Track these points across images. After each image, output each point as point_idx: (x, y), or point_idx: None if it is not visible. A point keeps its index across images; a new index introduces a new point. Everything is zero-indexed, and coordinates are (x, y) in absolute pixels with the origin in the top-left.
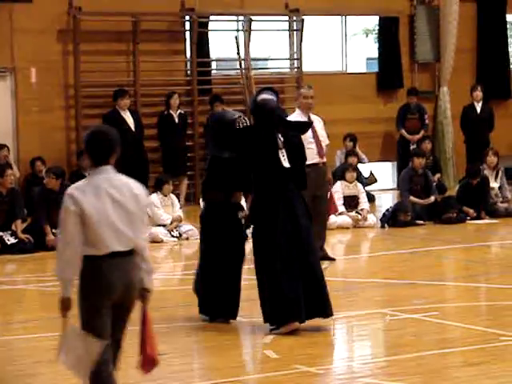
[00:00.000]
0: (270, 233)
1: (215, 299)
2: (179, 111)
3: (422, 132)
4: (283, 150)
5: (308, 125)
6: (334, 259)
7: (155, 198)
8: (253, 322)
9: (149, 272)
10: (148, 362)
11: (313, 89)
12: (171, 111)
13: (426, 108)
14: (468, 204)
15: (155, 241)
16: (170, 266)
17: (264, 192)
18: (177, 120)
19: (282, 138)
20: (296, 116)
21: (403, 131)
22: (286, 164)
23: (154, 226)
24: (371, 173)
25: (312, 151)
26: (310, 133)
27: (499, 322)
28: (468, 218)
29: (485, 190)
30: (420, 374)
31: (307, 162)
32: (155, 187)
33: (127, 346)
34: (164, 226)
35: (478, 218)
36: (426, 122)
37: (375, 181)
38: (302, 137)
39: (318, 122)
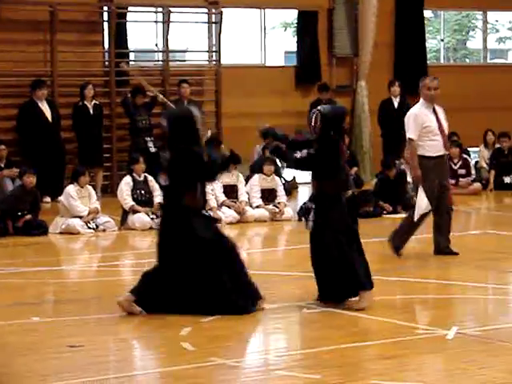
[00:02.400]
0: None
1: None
2: (94, 102)
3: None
4: None
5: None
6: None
7: (72, 189)
8: (170, 315)
9: None
10: None
11: (437, 80)
12: (86, 102)
13: (339, 102)
14: (385, 198)
15: (72, 232)
16: (87, 257)
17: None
18: (92, 111)
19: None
20: (419, 107)
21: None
22: None
23: (70, 217)
24: (294, 178)
25: (438, 143)
26: (435, 124)
27: (413, 315)
28: (384, 212)
29: (402, 184)
30: (336, 367)
31: (433, 154)
32: (72, 178)
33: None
34: (80, 217)
35: (395, 212)
36: None
37: (297, 187)
38: (428, 129)
39: (441, 114)
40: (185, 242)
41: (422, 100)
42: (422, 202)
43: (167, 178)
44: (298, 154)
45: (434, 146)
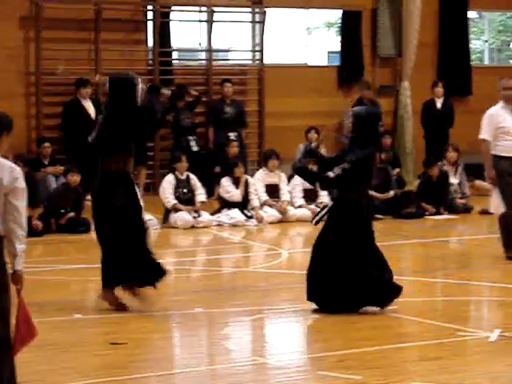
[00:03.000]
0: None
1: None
2: None
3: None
4: None
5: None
6: None
7: None
8: (211, 313)
9: (16, 255)
10: (19, 343)
11: None
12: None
13: (380, 103)
14: (428, 199)
15: None
16: None
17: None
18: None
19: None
20: (497, 107)
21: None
22: None
23: None
24: None
25: (510, 143)
26: (510, 125)
27: (456, 317)
28: (427, 213)
29: (445, 186)
30: (377, 368)
31: (508, 155)
32: None
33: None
34: None
35: (437, 213)
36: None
37: None
38: (503, 130)
39: None
40: (100, 209)
41: (500, 101)
42: (493, 203)
43: (94, 138)
44: (332, 174)
45: (509, 147)
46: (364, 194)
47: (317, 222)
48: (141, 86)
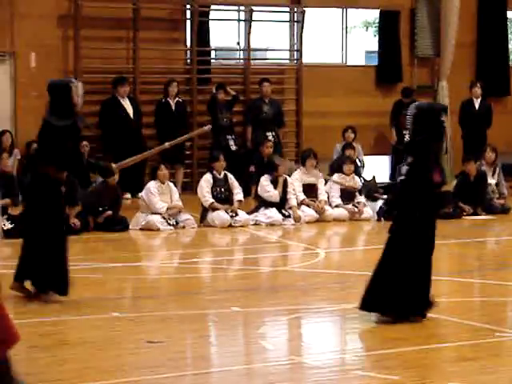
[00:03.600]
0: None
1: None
2: (177, 99)
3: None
4: None
5: None
6: None
7: (153, 185)
8: (248, 312)
9: None
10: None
11: None
12: (169, 99)
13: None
14: (465, 199)
15: (152, 229)
16: (166, 254)
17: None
18: (174, 108)
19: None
20: None
21: (393, 131)
22: None
23: (150, 213)
24: (374, 178)
25: None
26: None
27: (494, 317)
28: (464, 213)
29: (482, 186)
30: (415, 368)
31: None
32: (151, 174)
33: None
34: (161, 214)
35: (475, 214)
36: None
37: (376, 186)
38: None
39: None
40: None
41: None
42: None
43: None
44: (401, 177)
45: None
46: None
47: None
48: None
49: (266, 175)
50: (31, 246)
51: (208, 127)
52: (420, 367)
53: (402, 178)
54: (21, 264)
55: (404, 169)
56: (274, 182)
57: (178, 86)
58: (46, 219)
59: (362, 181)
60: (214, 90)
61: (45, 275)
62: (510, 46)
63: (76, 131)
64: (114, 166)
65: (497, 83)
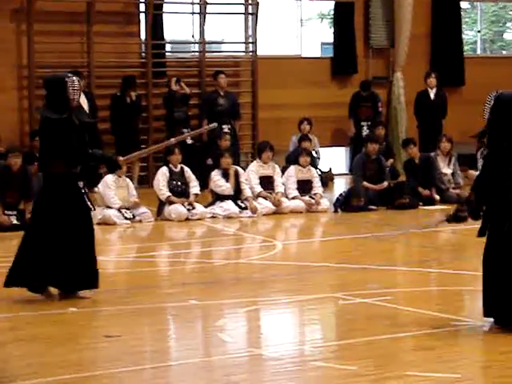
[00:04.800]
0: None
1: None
2: (132, 93)
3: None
4: None
5: None
6: None
7: (110, 178)
8: (206, 305)
9: None
10: None
11: None
12: (124, 93)
13: (380, 95)
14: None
15: (108, 223)
16: (123, 248)
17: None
18: (129, 102)
19: None
20: None
21: (351, 123)
22: None
23: (106, 207)
24: (330, 169)
25: None
26: None
27: (450, 307)
28: (420, 203)
29: (430, 168)
30: (372, 358)
31: None
32: (108, 169)
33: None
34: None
35: (431, 200)
36: (380, 109)
37: (333, 178)
38: None
39: None
40: (40, 209)
41: None
42: None
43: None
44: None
45: None
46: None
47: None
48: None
49: (216, 170)
50: (53, 250)
51: (213, 125)
52: (377, 357)
53: (479, 173)
54: (41, 270)
55: (480, 163)
56: (225, 175)
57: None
58: (67, 217)
59: (319, 172)
60: (173, 84)
61: (73, 277)
62: (464, 37)
63: (72, 125)
64: (121, 158)
65: (452, 73)
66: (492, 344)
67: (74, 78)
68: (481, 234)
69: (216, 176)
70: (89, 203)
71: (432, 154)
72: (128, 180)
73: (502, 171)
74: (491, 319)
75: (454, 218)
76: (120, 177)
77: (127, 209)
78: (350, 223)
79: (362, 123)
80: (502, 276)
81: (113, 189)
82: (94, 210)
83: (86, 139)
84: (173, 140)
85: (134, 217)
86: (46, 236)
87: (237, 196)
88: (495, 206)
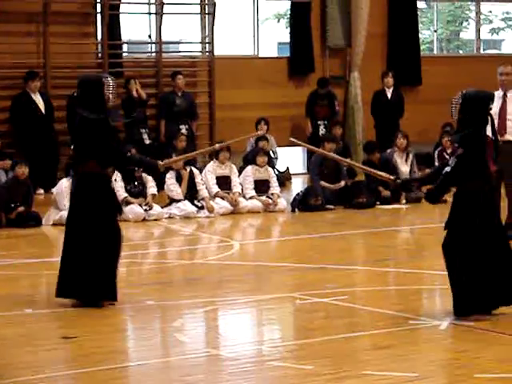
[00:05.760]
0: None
1: (92, 282)
2: None
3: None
4: None
5: None
6: None
7: (65, 183)
8: (163, 306)
9: None
10: None
11: (510, 66)
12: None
13: (336, 94)
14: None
15: (64, 224)
16: None
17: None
18: None
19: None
20: (496, 94)
21: (308, 121)
22: None
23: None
24: (287, 169)
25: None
26: (496, 110)
27: (407, 306)
28: (378, 202)
29: (388, 167)
30: (329, 358)
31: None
32: (66, 172)
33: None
34: None
35: (394, 198)
36: (337, 108)
37: (290, 178)
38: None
39: None
40: (75, 209)
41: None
42: None
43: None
44: (448, 168)
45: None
46: (487, 180)
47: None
48: (109, 82)
49: (170, 171)
50: (82, 258)
51: (261, 132)
52: (334, 356)
53: (449, 169)
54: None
55: (452, 160)
56: (179, 177)
57: None
58: (99, 223)
59: (276, 172)
60: (134, 92)
61: (98, 288)
62: (420, 36)
63: (108, 126)
64: (160, 163)
65: (408, 73)
66: (449, 343)
67: (110, 78)
68: (429, 199)
69: (170, 179)
70: (118, 206)
71: (389, 150)
72: None
73: (477, 168)
74: (448, 318)
75: (403, 186)
76: None
77: None
78: (308, 223)
79: (319, 122)
80: (460, 266)
81: (66, 194)
82: (121, 214)
83: (120, 140)
84: (217, 146)
85: None
86: (82, 242)
87: (193, 196)
88: (465, 203)
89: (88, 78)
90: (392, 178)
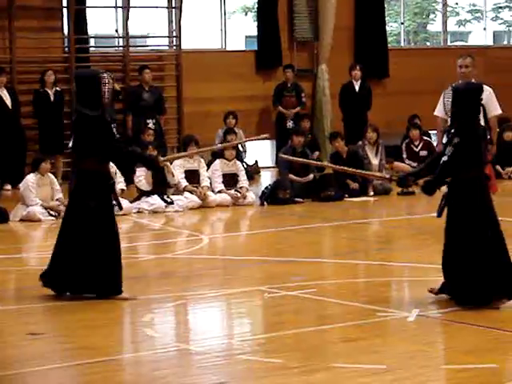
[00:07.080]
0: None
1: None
2: (55, 88)
3: (297, 108)
4: None
5: None
6: None
7: (31, 178)
8: (133, 301)
9: None
10: None
11: (471, 57)
12: (46, 88)
13: (303, 86)
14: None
15: (33, 220)
16: (48, 244)
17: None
18: (52, 97)
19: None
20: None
21: (280, 107)
22: None
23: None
24: (256, 162)
25: None
26: None
27: (376, 298)
28: (346, 195)
29: (357, 161)
30: (299, 351)
31: None
32: (32, 167)
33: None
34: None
35: (357, 193)
36: (303, 99)
37: (259, 171)
38: None
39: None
40: (73, 206)
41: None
42: None
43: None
44: (445, 157)
45: None
46: (481, 170)
47: (440, 214)
48: (105, 77)
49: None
50: (82, 254)
51: (265, 135)
52: (303, 350)
53: (446, 158)
54: (77, 277)
55: (448, 149)
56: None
57: (54, 74)
58: (99, 219)
59: (245, 165)
60: (116, 86)
61: (105, 282)
62: (387, 29)
63: (105, 122)
64: (161, 158)
65: (376, 65)
66: (417, 334)
67: (105, 74)
68: (426, 190)
69: (139, 171)
70: (118, 203)
71: (359, 143)
72: (52, 176)
73: (473, 156)
74: (416, 310)
75: (401, 182)
76: (43, 175)
77: (51, 209)
78: (276, 216)
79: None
80: (459, 254)
81: (33, 190)
82: (121, 209)
83: (116, 136)
84: (220, 145)
85: (58, 214)
86: (78, 238)
87: (162, 191)
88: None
89: (83, 74)
90: (388, 176)
